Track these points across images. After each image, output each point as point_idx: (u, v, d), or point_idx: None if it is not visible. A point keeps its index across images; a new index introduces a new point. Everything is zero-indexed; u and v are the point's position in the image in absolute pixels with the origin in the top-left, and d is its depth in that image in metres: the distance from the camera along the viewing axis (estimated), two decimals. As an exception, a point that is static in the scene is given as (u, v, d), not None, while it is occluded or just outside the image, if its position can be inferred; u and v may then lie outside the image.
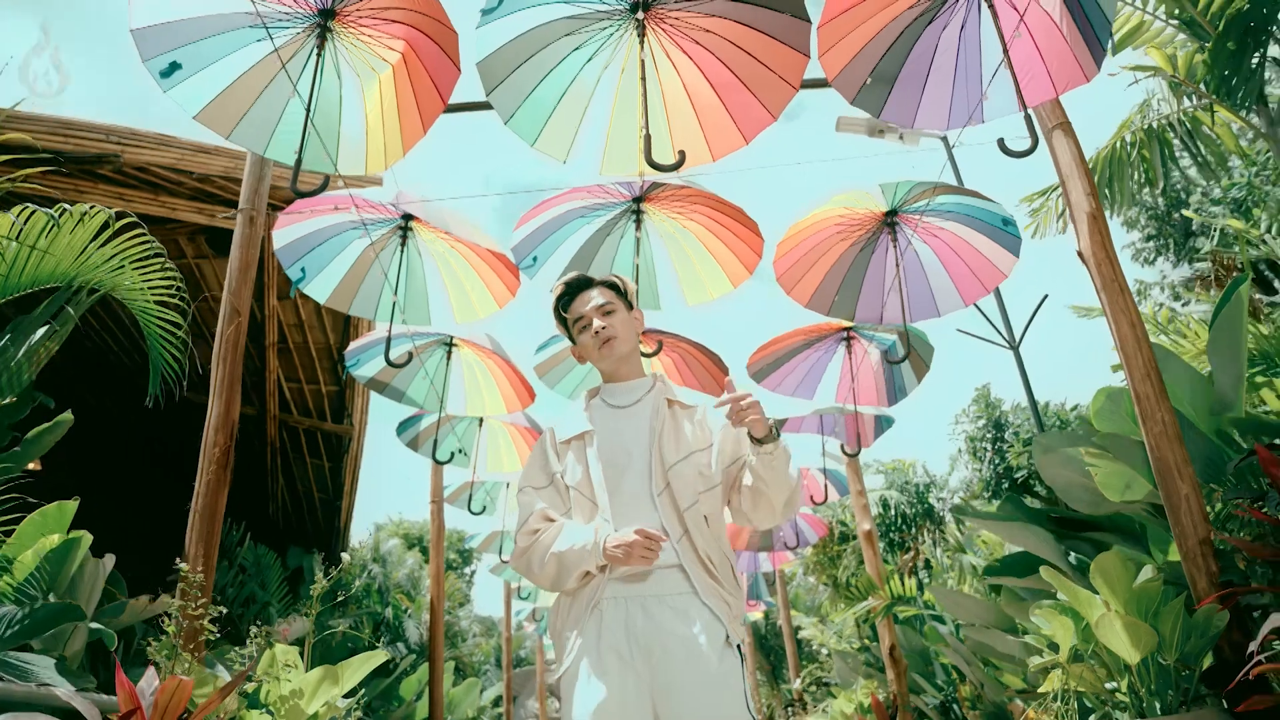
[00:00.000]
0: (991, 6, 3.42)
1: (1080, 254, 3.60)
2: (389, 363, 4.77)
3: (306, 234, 4.50)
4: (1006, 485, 10.38)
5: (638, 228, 4.78)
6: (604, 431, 2.09)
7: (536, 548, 1.98)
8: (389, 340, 4.88)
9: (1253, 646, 2.30)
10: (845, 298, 5.03)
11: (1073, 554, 3.78)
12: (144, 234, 3.75)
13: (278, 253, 4.46)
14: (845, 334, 5.97)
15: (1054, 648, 2.88)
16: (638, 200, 4.67)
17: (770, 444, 1.89)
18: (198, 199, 6.58)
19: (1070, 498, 3.55)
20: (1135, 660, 2.66)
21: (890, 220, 4.74)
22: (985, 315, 6.95)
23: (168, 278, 3.79)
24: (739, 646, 1.88)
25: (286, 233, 4.42)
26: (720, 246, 4.72)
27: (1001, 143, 3.12)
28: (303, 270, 4.60)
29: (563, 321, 2.25)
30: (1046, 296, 6.86)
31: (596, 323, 2.15)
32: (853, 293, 5.03)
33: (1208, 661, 2.80)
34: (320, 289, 4.83)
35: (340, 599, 3.20)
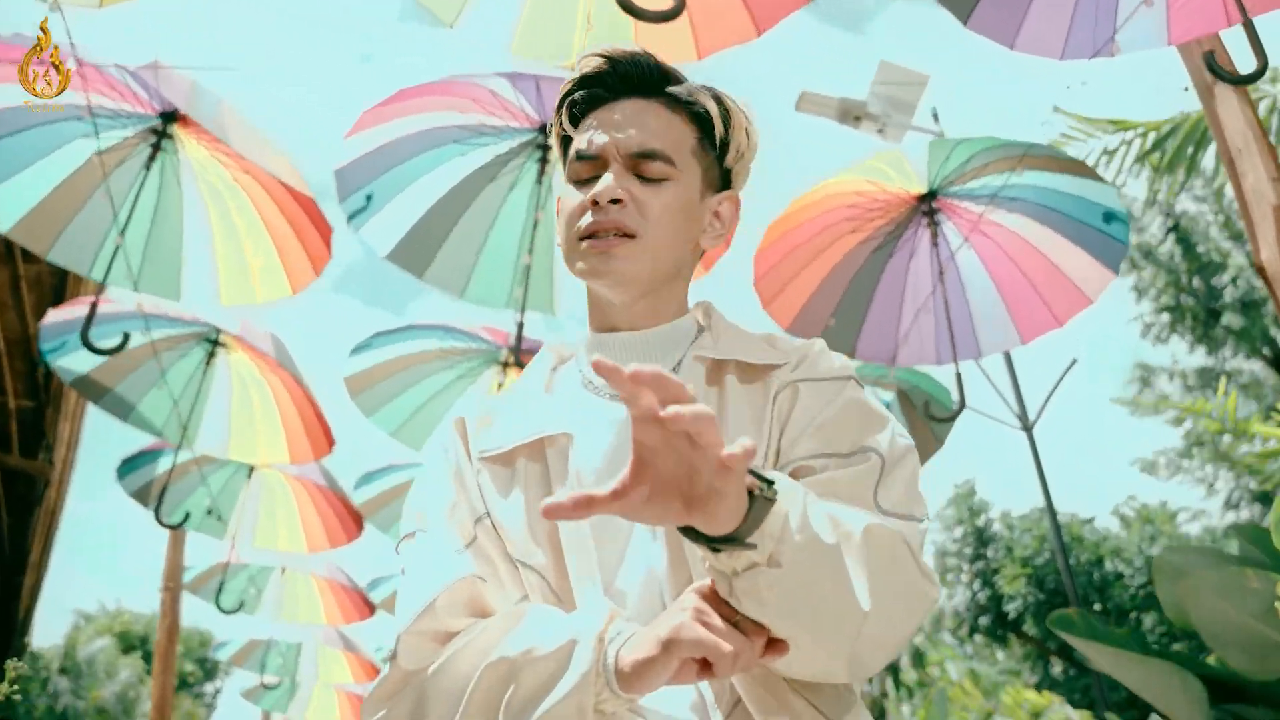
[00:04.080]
0: None
1: (1261, 268, 2.99)
2: (87, 345, 3.76)
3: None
4: (989, 620, 9.86)
5: (541, 173, 3.93)
6: (588, 443, 1.19)
7: (450, 669, 1.03)
8: (93, 310, 3.89)
9: None
10: (844, 323, 4.33)
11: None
12: None
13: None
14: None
15: None
16: (545, 129, 3.82)
17: (742, 551, 0.89)
18: None
19: (1222, 644, 3.04)
20: None
21: (928, 207, 4.07)
22: (992, 381, 6.44)
23: None
24: None
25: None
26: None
27: (1210, 57, 2.51)
28: (-28, 171, 3.53)
29: (565, 139, 1.31)
30: (1075, 362, 6.46)
31: (605, 183, 1.19)
32: (855, 316, 4.33)
33: None
34: (3, 210, 3.75)
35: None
